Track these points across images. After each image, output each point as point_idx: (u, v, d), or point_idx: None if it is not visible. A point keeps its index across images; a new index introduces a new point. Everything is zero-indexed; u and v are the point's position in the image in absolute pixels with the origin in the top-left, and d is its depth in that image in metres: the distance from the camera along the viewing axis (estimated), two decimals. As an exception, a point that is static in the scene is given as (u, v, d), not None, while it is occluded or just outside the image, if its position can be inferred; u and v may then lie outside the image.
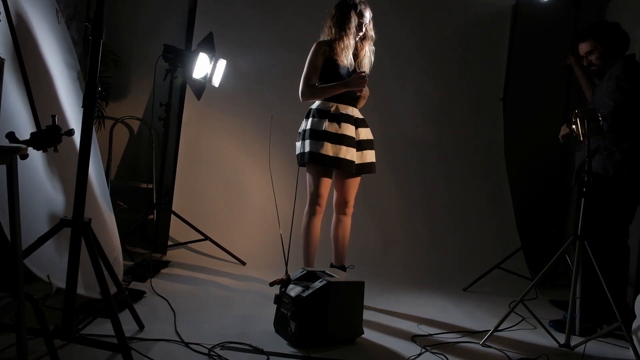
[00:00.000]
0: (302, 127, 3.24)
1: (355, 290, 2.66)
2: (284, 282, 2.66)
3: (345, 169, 3.15)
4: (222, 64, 3.76)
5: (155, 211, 4.04)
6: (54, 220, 2.18)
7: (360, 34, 3.19)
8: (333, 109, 3.16)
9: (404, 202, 4.46)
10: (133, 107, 4.53)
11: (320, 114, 3.17)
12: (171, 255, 3.93)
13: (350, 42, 3.15)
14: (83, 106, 2.00)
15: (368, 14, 3.18)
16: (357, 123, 3.22)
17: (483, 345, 2.78)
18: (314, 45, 3.22)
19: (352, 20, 3.13)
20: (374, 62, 3.31)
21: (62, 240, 2.25)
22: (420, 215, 4.44)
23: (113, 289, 2.39)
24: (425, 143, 4.62)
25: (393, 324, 2.97)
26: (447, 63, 4.71)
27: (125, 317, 2.43)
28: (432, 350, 2.61)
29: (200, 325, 2.64)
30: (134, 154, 4.59)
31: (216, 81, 3.77)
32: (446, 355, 2.56)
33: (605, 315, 3.09)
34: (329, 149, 3.09)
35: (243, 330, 2.62)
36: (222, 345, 2.40)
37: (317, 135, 3.12)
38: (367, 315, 2.88)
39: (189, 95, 4.17)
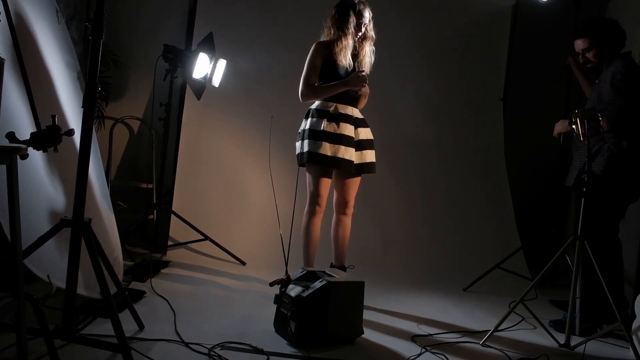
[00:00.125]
0: (302, 127, 3.25)
1: (355, 290, 2.66)
2: (284, 282, 2.66)
3: (344, 169, 3.15)
4: (222, 64, 3.76)
5: (155, 211, 4.04)
6: (54, 220, 2.18)
7: (360, 34, 3.19)
8: (332, 109, 3.17)
9: (404, 202, 4.46)
10: (133, 107, 4.53)
11: (319, 114, 3.17)
12: (171, 255, 3.93)
13: (348, 42, 3.15)
14: (83, 106, 2.00)
15: (367, 14, 3.18)
16: (357, 123, 3.22)
17: (483, 345, 2.78)
18: (313, 45, 3.22)
19: (351, 20, 3.13)
20: (374, 62, 3.31)
21: (62, 240, 2.25)
22: (420, 215, 4.44)
23: (113, 289, 2.39)
24: (425, 143, 4.62)
25: (393, 324, 2.97)
26: (447, 63, 4.71)
27: (125, 317, 2.42)
28: (432, 350, 2.61)
29: (200, 325, 2.64)
30: (134, 154, 4.59)
31: (216, 81, 3.77)
32: (446, 355, 2.56)
33: (605, 315, 3.09)
34: (327, 148, 3.09)
35: (243, 330, 2.62)
36: (222, 345, 2.40)
37: (315, 135, 3.13)
38: (367, 315, 2.88)
39: (189, 95, 4.17)
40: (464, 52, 4.73)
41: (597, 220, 3.01)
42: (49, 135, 1.82)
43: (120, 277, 2.89)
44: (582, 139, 2.88)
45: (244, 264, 3.92)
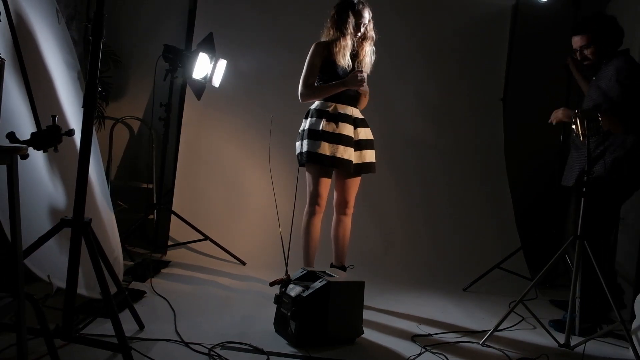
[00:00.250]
0: (302, 127, 3.25)
1: (355, 290, 2.66)
2: (284, 282, 2.66)
3: (343, 169, 3.15)
4: (222, 64, 3.76)
5: (155, 211, 4.04)
6: (55, 220, 2.18)
7: (359, 34, 3.19)
8: (331, 109, 3.17)
9: (404, 202, 4.47)
10: (133, 107, 4.54)
11: (319, 114, 3.18)
12: (171, 255, 3.93)
13: (347, 42, 3.15)
14: (83, 106, 2.00)
15: (367, 14, 3.18)
16: (357, 123, 3.22)
17: (483, 345, 2.78)
18: (313, 46, 3.22)
19: (350, 20, 3.13)
20: (374, 61, 3.31)
21: (62, 240, 2.25)
22: (420, 215, 4.44)
23: (113, 289, 2.39)
24: (425, 143, 4.62)
25: (393, 324, 2.97)
26: (447, 63, 4.71)
27: (125, 317, 2.42)
28: (432, 350, 2.61)
29: (200, 325, 2.65)
30: (134, 154, 4.59)
31: (216, 81, 3.77)
32: (446, 355, 2.56)
33: (605, 315, 3.09)
34: (326, 148, 3.10)
35: (243, 330, 2.62)
36: (222, 345, 2.41)
37: (314, 135, 3.13)
38: (367, 315, 2.88)
39: (189, 95, 4.17)
40: (464, 52, 4.73)
41: (597, 221, 3.01)
42: (49, 135, 1.83)
43: (121, 277, 2.89)
44: (582, 139, 2.87)
45: (244, 264, 3.92)
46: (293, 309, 2.50)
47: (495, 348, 2.75)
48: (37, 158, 2.34)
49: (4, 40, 2.16)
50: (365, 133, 3.25)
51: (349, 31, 3.14)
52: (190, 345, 2.36)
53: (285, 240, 2.89)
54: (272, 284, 2.71)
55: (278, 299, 2.64)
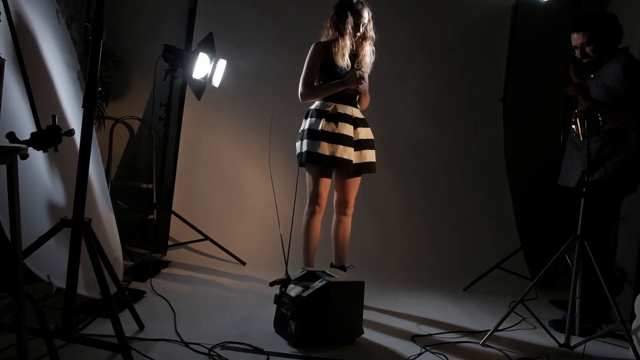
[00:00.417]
0: (302, 127, 3.25)
1: (355, 290, 2.66)
2: (284, 282, 2.66)
3: (342, 169, 3.15)
4: (222, 64, 3.76)
5: (155, 211, 4.04)
6: (54, 220, 2.18)
7: (358, 34, 3.19)
8: (331, 108, 3.17)
9: (404, 202, 4.46)
10: (133, 107, 4.54)
11: (318, 113, 3.18)
12: (171, 255, 3.93)
13: (346, 42, 3.15)
14: (83, 106, 2.00)
15: (366, 14, 3.18)
16: (357, 123, 3.22)
17: (483, 345, 2.78)
18: (312, 46, 3.23)
19: (349, 20, 3.13)
20: (374, 61, 3.31)
21: (62, 240, 2.25)
22: (420, 215, 4.44)
23: (113, 289, 2.39)
24: (425, 143, 4.62)
25: (393, 324, 2.97)
26: (447, 63, 4.71)
27: (125, 317, 2.43)
28: (432, 350, 2.61)
29: (200, 325, 2.64)
30: (134, 154, 4.59)
31: (216, 81, 3.77)
32: (446, 355, 2.56)
33: (605, 315, 3.09)
34: (325, 148, 3.10)
35: (243, 330, 2.62)
36: (222, 345, 2.41)
37: (314, 135, 3.13)
38: (367, 315, 2.88)
39: (189, 95, 4.17)
40: (464, 52, 4.73)
41: (597, 221, 3.01)
42: (49, 135, 1.82)
43: (120, 277, 2.89)
44: (582, 139, 2.87)
45: (244, 264, 3.92)
46: (293, 309, 2.50)
47: (495, 348, 2.75)
48: (37, 158, 2.34)
49: (4, 40, 2.16)
50: (365, 133, 3.25)
51: (348, 31, 3.14)
52: (190, 345, 2.36)
53: (285, 240, 2.89)
54: (272, 284, 2.71)
55: (278, 299, 2.64)
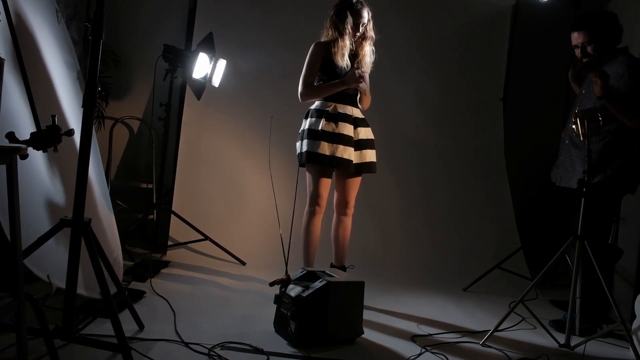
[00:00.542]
0: (302, 127, 3.25)
1: (355, 290, 2.66)
2: (284, 282, 2.66)
3: (342, 169, 3.15)
4: (222, 64, 3.76)
5: (155, 211, 4.04)
6: (54, 220, 2.18)
7: (358, 34, 3.19)
8: (331, 108, 3.17)
9: (404, 202, 4.46)
10: (133, 107, 4.53)
11: (318, 113, 3.18)
12: (171, 255, 3.93)
13: (345, 42, 3.15)
14: (83, 106, 2.00)
15: (366, 14, 3.18)
16: (357, 122, 3.22)
17: (483, 345, 2.78)
18: (312, 46, 3.23)
19: (348, 20, 3.13)
20: (373, 61, 3.31)
21: (62, 240, 2.25)
22: (420, 215, 4.44)
23: (113, 289, 2.39)
24: (425, 143, 4.62)
25: (393, 324, 2.97)
26: (447, 63, 4.71)
27: (125, 317, 2.43)
28: (432, 350, 2.61)
29: (200, 325, 2.64)
30: (134, 154, 4.59)
31: (216, 81, 3.77)
32: (446, 355, 2.56)
33: (605, 315, 3.09)
34: (325, 148, 3.10)
35: (243, 330, 2.62)
36: (222, 345, 2.40)
37: (314, 135, 3.13)
38: (367, 315, 2.88)
39: (189, 95, 4.17)
40: (464, 52, 4.73)
41: (599, 221, 3.01)
42: (49, 135, 1.82)
43: (120, 277, 2.89)
44: (582, 139, 2.87)
45: (244, 264, 3.92)
46: (293, 309, 2.50)
47: (495, 348, 2.75)
48: (37, 158, 2.33)
49: (4, 40, 2.16)
50: (365, 133, 3.25)
51: (347, 31, 3.14)
52: (190, 345, 2.36)
53: (285, 240, 2.89)
54: (272, 284, 2.71)
55: (278, 299, 2.64)
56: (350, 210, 3.30)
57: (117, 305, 2.28)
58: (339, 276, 2.72)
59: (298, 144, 3.24)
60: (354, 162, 3.17)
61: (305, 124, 3.21)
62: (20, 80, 2.07)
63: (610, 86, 2.95)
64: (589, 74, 3.00)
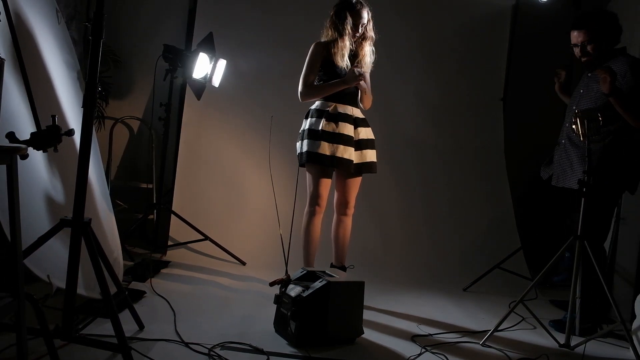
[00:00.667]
0: (302, 127, 3.25)
1: (355, 290, 2.66)
2: (284, 282, 2.66)
3: (343, 169, 3.15)
4: (222, 64, 3.76)
5: (155, 211, 4.04)
6: (54, 220, 2.18)
7: (357, 34, 3.19)
8: (331, 108, 3.17)
9: (404, 202, 4.46)
10: (133, 107, 4.53)
11: (319, 113, 3.18)
12: (171, 255, 3.93)
13: (345, 43, 3.15)
14: (83, 106, 2.00)
15: (366, 14, 3.18)
16: (357, 122, 3.22)
17: (483, 345, 2.78)
18: (312, 46, 3.23)
19: (348, 21, 3.13)
20: (373, 61, 3.31)
21: (62, 240, 2.25)
22: (420, 215, 4.44)
23: (113, 289, 2.39)
24: (425, 143, 4.62)
25: (393, 324, 2.97)
26: (447, 63, 4.71)
27: (125, 317, 2.43)
28: (432, 350, 2.61)
29: (200, 325, 2.64)
30: (134, 154, 4.59)
31: (216, 81, 3.77)
32: (446, 355, 2.56)
33: (605, 315, 3.09)
34: (325, 148, 3.09)
35: (243, 330, 2.62)
36: (222, 345, 2.40)
37: (314, 135, 3.13)
38: (367, 315, 2.88)
39: (189, 95, 4.17)
40: (464, 52, 4.73)
41: (599, 221, 3.01)
42: (49, 135, 1.82)
43: (120, 277, 2.89)
44: (582, 139, 2.87)
45: (244, 264, 3.92)
46: (293, 309, 2.50)
47: (495, 348, 2.75)
48: (37, 158, 2.34)
49: (4, 40, 2.16)
50: (366, 133, 3.25)
51: (347, 32, 3.14)
52: (190, 345, 2.36)
53: (285, 240, 2.89)
54: (272, 284, 2.71)
55: (278, 299, 2.64)
56: (351, 210, 3.30)
57: (117, 305, 2.28)
58: (339, 276, 2.72)
59: (298, 144, 3.24)
60: (354, 162, 3.17)
61: (306, 124, 3.21)
62: (20, 80, 2.07)
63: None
64: (597, 71, 2.97)
